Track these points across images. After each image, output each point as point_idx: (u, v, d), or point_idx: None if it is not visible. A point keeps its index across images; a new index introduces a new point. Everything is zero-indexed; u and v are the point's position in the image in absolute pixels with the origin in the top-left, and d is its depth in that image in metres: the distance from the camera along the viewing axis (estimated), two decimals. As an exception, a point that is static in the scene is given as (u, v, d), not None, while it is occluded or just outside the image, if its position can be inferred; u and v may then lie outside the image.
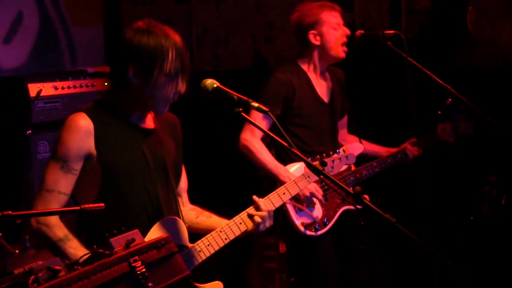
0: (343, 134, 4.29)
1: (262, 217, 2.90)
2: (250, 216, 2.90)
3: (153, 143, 2.80)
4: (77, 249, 2.60)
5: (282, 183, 3.76)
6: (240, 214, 2.91)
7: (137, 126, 2.77)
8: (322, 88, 4.06)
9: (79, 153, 2.66)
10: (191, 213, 3.02)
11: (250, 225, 2.90)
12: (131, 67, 2.66)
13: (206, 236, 2.84)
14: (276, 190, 3.08)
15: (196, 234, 2.90)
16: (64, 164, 2.65)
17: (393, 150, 4.26)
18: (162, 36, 2.68)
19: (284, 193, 3.10)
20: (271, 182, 3.92)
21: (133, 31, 2.69)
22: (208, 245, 2.82)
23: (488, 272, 4.21)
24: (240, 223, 2.88)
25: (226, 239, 2.84)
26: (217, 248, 2.83)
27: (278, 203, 3.04)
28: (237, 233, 2.87)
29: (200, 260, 2.80)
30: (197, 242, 2.82)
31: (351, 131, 4.34)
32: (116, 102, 2.75)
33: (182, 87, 2.72)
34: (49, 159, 2.72)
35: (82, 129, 2.66)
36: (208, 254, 2.81)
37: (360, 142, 4.14)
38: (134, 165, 2.73)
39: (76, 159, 2.66)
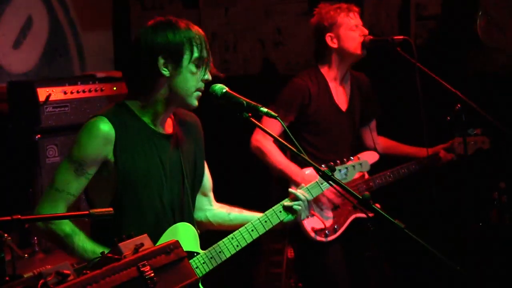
0: (374, 137, 4.26)
1: (300, 206, 2.92)
2: (286, 208, 2.91)
3: (170, 148, 2.79)
4: (84, 243, 2.63)
5: (295, 183, 3.78)
6: (252, 221, 2.89)
7: (156, 132, 2.76)
8: (340, 96, 4.04)
9: (96, 159, 2.65)
10: (221, 212, 3.03)
11: (261, 230, 2.88)
12: (160, 60, 2.67)
13: (218, 243, 2.83)
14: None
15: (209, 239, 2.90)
16: (79, 168, 2.63)
17: (425, 151, 4.15)
18: (185, 27, 2.72)
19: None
20: (278, 188, 3.92)
21: (153, 27, 2.73)
22: (220, 252, 2.80)
23: (498, 279, 4.19)
24: (252, 230, 2.87)
25: (237, 246, 2.83)
26: (228, 255, 2.83)
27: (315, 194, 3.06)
28: (249, 240, 2.86)
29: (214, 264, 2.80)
30: (209, 248, 2.82)
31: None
32: (137, 107, 2.74)
33: (208, 74, 2.76)
34: (64, 159, 2.70)
35: (102, 135, 2.64)
36: (219, 261, 2.81)
37: (375, 149, 4.13)
38: (150, 172, 2.72)
39: (91, 164, 2.64)
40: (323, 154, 3.93)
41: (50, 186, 2.67)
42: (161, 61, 2.67)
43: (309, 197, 2.97)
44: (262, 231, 2.88)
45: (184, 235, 2.76)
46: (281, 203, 2.94)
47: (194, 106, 2.77)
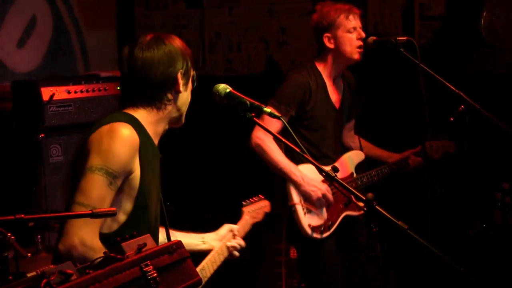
0: (351, 136, 4.30)
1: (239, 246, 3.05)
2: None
3: (159, 168, 2.65)
4: None
5: (294, 183, 3.80)
6: (210, 256, 2.95)
7: (157, 150, 2.60)
8: (335, 94, 4.07)
9: (125, 169, 2.39)
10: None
11: (218, 262, 2.97)
12: (178, 74, 2.55)
13: None
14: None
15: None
16: (113, 181, 2.36)
17: (397, 156, 4.26)
18: (180, 43, 2.62)
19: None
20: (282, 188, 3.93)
21: (167, 39, 2.57)
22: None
23: (501, 280, 4.19)
24: (213, 262, 2.94)
25: (205, 277, 2.86)
26: None
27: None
28: (212, 271, 2.93)
29: None
30: None
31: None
32: (144, 120, 2.53)
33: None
34: (92, 171, 2.35)
35: (133, 143, 2.40)
36: None
37: (361, 148, 4.18)
38: (152, 191, 2.54)
39: (122, 176, 2.39)
40: (315, 149, 3.95)
41: (82, 204, 2.33)
42: (179, 74, 2.56)
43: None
44: (219, 263, 2.98)
45: None
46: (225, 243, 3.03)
47: (182, 124, 2.68)
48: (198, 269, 2.81)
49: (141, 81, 2.53)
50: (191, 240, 2.94)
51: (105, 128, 2.41)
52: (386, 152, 4.33)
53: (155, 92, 2.54)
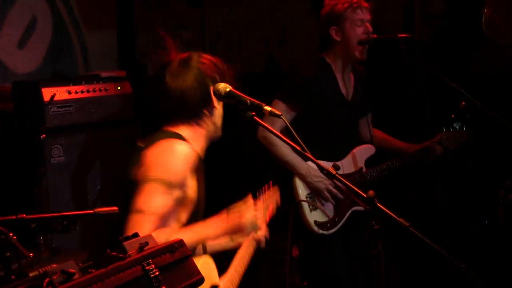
0: (371, 130, 4.28)
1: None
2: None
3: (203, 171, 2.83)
4: None
5: (300, 175, 3.80)
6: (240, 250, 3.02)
7: (202, 159, 2.80)
8: (346, 86, 4.05)
9: (182, 182, 2.62)
10: None
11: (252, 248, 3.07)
12: (211, 89, 2.72)
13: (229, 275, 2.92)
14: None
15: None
16: (170, 191, 2.58)
17: (417, 146, 4.21)
18: (205, 59, 2.80)
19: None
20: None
21: (197, 59, 2.75)
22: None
23: (503, 277, 4.19)
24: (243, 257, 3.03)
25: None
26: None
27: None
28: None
29: None
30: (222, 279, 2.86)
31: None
32: (189, 137, 2.74)
33: None
34: (149, 180, 2.57)
35: (190, 158, 2.65)
36: None
37: (371, 141, 4.17)
38: (202, 197, 2.76)
39: (179, 187, 2.61)
40: (328, 143, 3.94)
41: (141, 211, 2.53)
42: (211, 91, 2.73)
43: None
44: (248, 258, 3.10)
45: (212, 268, 2.81)
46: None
47: (220, 136, 2.87)
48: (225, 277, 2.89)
49: (180, 107, 2.72)
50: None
51: (163, 143, 2.64)
52: (406, 144, 4.25)
53: (193, 112, 2.73)
